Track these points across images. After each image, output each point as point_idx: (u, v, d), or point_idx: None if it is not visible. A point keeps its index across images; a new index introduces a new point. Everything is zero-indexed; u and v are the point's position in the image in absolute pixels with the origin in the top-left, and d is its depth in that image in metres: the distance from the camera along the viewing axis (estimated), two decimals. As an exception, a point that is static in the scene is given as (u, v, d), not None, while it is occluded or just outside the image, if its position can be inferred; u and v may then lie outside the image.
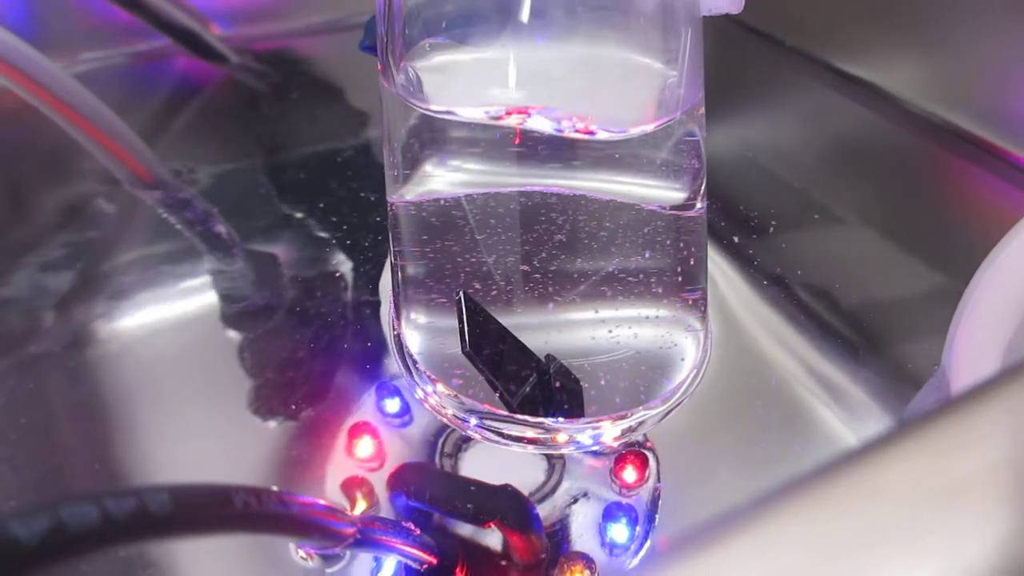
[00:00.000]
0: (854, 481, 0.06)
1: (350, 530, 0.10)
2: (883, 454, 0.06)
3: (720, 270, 0.20)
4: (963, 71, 0.19)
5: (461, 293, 0.12)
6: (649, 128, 0.12)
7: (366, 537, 0.11)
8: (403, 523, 0.13)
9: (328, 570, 0.13)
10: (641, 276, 0.12)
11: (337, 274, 0.18)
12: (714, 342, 0.18)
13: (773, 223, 0.21)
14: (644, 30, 0.12)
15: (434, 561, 0.13)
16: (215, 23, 0.20)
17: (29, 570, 0.07)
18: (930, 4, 0.19)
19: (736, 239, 0.21)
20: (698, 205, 0.13)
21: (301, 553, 0.14)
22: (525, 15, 0.11)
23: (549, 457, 0.16)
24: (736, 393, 0.17)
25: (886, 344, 0.18)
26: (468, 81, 0.13)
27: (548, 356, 0.12)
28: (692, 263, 0.13)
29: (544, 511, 0.15)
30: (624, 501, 0.15)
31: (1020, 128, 0.18)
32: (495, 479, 0.15)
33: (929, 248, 0.19)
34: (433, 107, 0.12)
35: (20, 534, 0.07)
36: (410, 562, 0.13)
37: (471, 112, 0.12)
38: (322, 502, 0.10)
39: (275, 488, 0.09)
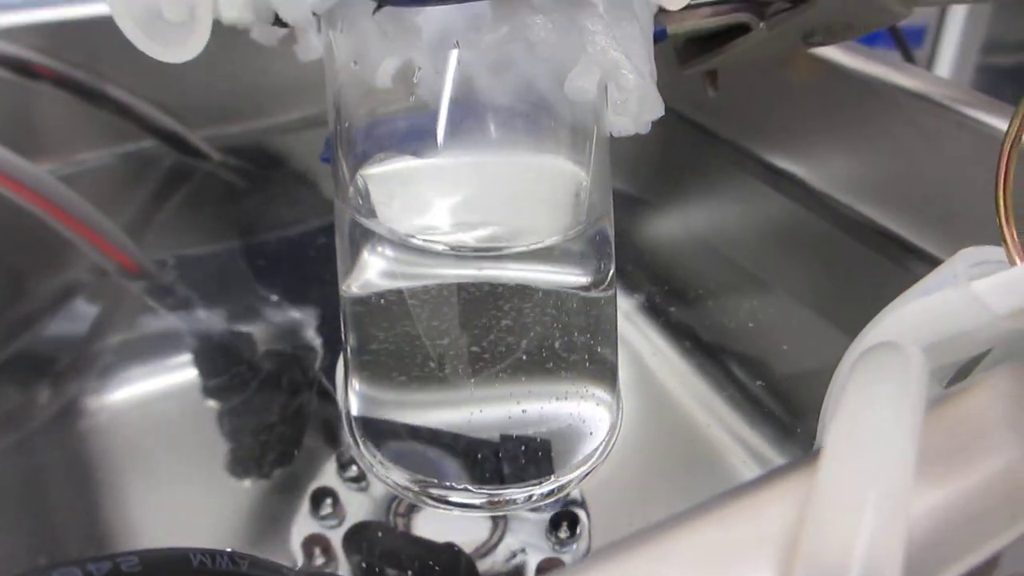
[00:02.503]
0: (649, 548, 0.08)
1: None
2: (677, 526, 0.08)
3: (654, 341, 0.22)
4: (874, 171, 0.21)
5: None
6: (571, 234, 0.14)
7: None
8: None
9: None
10: (555, 356, 0.14)
11: (307, 349, 0.20)
12: (646, 408, 0.20)
13: (709, 298, 0.23)
14: (563, 150, 0.14)
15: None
16: (198, 124, 0.22)
17: None
18: (849, 112, 0.21)
19: (672, 311, 0.23)
20: (608, 289, 0.15)
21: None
22: (440, 134, 0.13)
23: (494, 517, 0.17)
24: (664, 455, 0.19)
25: (808, 412, 0.20)
26: (412, 199, 0.15)
27: (503, 436, 0.14)
28: (603, 341, 0.15)
29: (485, 566, 0.16)
30: (558, 556, 0.17)
31: (921, 222, 0.20)
32: (444, 537, 0.17)
33: (848, 321, 0.21)
34: (377, 228, 0.14)
35: None
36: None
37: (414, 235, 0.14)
38: (268, 560, 0.12)
39: (228, 550, 0.11)
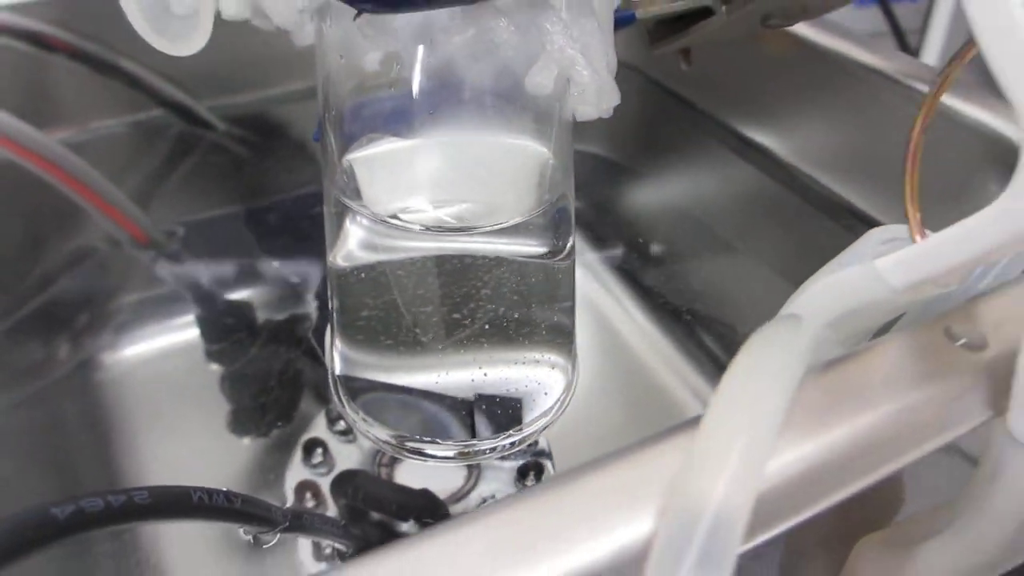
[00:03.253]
0: (551, 494, 0.09)
1: (281, 520, 0.14)
2: (578, 475, 0.10)
3: (623, 301, 0.23)
4: (839, 145, 0.22)
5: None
6: (537, 212, 0.16)
7: (294, 525, 0.14)
8: (327, 516, 0.17)
9: (264, 546, 0.17)
10: (516, 323, 0.16)
11: (302, 315, 0.22)
12: (611, 364, 0.22)
13: (680, 260, 0.24)
14: (530, 134, 0.16)
15: (349, 546, 0.16)
16: (204, 95, 0.24)
17: (60, 539, 0.11)
18: (817, 88, 0.22)
19: (646, 271, 0.24)
20: (567, 259, 0.17)
21: (246, 535, 0.18)
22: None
23: (468, 467, 0.19)
24: (625, 408, 0.21)
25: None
26: (393, 182, 0.16)
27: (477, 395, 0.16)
28: (561, 308, 0.17)
29: (457, 509, 0.18)
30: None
31: (879, 194, 0.22)
32: (422, 484, 0.18)
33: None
34: (360, 209, 0.16)
35: (55, 514, 0.11)
36: (337, 545, 0.17)
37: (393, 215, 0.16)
38: (259, 499, 0.13)
39: (224, 489, 0.13)
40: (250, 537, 0.17)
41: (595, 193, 0.28)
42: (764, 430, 0.09)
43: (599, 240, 0.27)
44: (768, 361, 0.10)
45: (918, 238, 0.13)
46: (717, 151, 0.24)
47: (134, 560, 0.17)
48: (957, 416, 0.12)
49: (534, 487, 0.10)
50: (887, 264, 0.13)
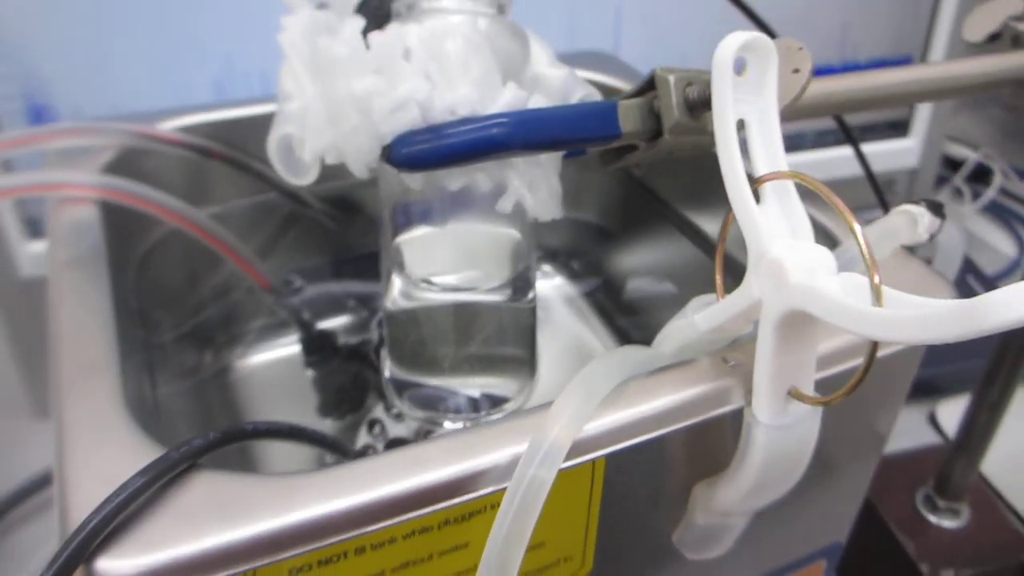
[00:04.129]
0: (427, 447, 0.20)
1: (353, 453, 0.24)
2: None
3: (596, 329, 0.33)
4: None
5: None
6: (509, 277, 0.26)
7: (360, 455, 0.24)
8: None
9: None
10: (497, 345, 0.26)
11: (368, 339, 0.33)
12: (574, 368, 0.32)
13: (642, 305, 0.34)
14: (508, 227, 0.26)
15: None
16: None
17: (245, 439, 0.21)
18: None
19: (615, 312, 0.34)
20: (531, 304, 0.27)
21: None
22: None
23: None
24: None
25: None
26: (425, 254, 0.27)
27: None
28: (524, 335, 0.27)
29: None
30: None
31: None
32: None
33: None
34: (403, 272, 0.26)
35: (246, 427, 0.21)
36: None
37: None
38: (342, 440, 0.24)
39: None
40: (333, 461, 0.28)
41: (586, 250, 0.38)
42: (584, 405, 0.19)
43: (579, 282, 0.37)
44: (597, 369, 0.20)
45: (719, 298, 0.23)
46: (667, 227, 0.34)
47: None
48: (721, 403, 0.21)
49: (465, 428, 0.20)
50: (699, 317, 0.23)
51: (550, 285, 0.40)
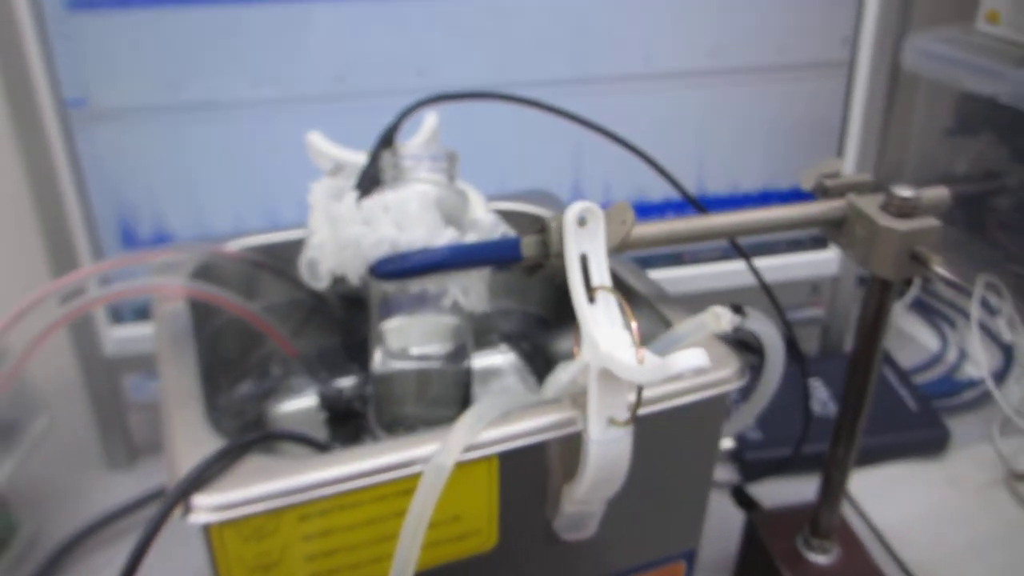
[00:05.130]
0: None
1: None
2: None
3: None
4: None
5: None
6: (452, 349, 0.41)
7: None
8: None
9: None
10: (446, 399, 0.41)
11: (364, 394, 0.47)
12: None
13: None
14: (450, 315, 0.41)
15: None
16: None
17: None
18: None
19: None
20: (467, 365, 0.41)
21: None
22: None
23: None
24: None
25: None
26: (400, 336, 0.42)
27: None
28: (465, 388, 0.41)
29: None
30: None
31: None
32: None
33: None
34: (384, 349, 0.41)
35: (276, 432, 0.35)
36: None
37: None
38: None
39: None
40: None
41: (532, 334, 0.52)
42: (477, 421, 0.33)
43: (530, 359, 0.51)
44: (491, 401, 0.34)
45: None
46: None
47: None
48: (570, 425, 0.35)
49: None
50: (560, 371, 0.37)
51: (504, 359, 0.54)
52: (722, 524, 0.58)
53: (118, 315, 0.63)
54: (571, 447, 0.35)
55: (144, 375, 0.65)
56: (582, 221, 0.35)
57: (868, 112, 0.71)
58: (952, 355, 0.80)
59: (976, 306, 0.71)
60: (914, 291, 0.83)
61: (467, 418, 0.33)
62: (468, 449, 0.33)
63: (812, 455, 0.52)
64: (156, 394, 0.62)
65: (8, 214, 0.74)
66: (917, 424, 0.68)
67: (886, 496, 0.64)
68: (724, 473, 0.66)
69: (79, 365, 0.63)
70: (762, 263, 0.74)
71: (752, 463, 0.65)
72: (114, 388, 0.65)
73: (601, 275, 0.35)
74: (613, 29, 0.64)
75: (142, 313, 0.62)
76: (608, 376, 0.33)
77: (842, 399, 0.48)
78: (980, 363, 0.74)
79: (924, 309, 0.87)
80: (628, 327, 0.33)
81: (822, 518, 0.52)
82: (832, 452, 0.50)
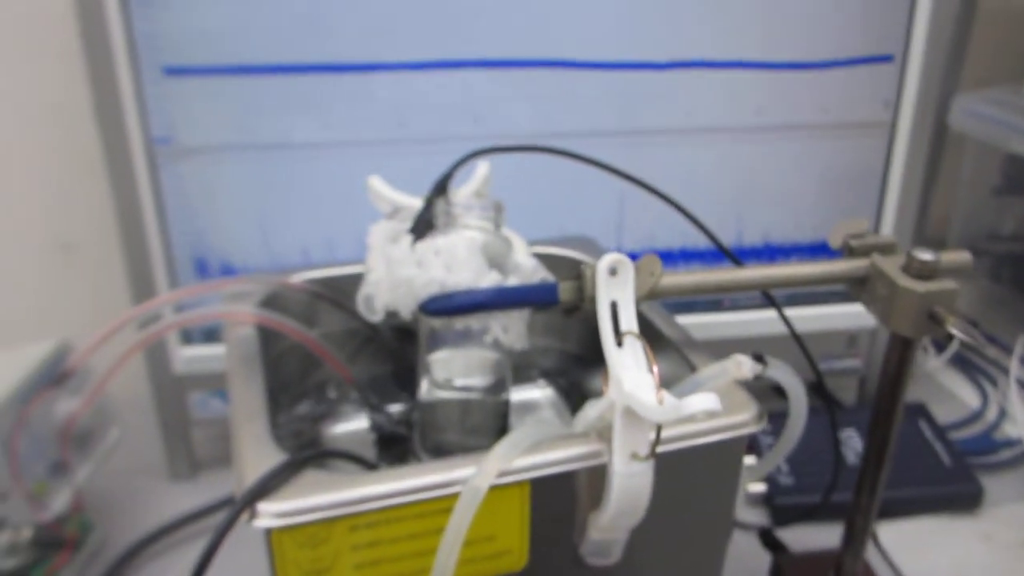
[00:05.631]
0: None
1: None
2: None
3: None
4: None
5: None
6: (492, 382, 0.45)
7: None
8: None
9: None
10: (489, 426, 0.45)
11: (411, 419, 0.51)
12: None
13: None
14: (491, 351, 0.45)
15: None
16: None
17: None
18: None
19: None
20: (505, 397, 0.45)
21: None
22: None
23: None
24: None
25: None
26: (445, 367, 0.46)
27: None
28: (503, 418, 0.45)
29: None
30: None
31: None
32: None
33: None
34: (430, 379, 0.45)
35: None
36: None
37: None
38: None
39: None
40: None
41: (569, 371, 0.56)
42: (511, 449, 0.37)
43: (566, 395, 0.55)
44: (525, 430, 0.38)
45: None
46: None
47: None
48: (596, 457, 0.38)
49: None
50: (589, 408, 0.40)
51: (542, 394, 0.58)
52: (750, 566, 0.61)
53: (188, 337, 0.69)
54: (597, 478, 0.39)
55: (208, 393, 0.70)
56: (613, 271, 0.39)
57: (908, 172, 0.73)
58: (992, 413, 0.82)
59: (1016, 364, 0.73)
60: (953, 348, 0.85)
61: (502, 445, 0.37)
62: (502, 474, 0.37)
63: (842, 503, 0.54)
64: (219, 411, 0.68)
65: (96, 244, 0.81)
66: (950, 479, 0.70)
67: (917, 549, 0.66)
68: (756, 516, 0.68)
69: (150, 381, 0.69)
70: (800, 313, 0.77)
71: (783, 508, 0.67)
72: (180, 404, 0.70)
73: (629, 321, 0.39)
74: (659, 86, 0.68)
75: (209, 335, 0.68)
76: (631, 414, 0.37)
77: (865, 450, 0.51)
78: (1019, 422, 0.75)
79: (966, 366, 0.88)
80: (651, 370, 0.37)
81: (846, 565, 0.54)
82: (856, 500, 0.52)
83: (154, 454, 0.73)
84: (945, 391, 0.86)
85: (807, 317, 0.77)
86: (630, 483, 0.38)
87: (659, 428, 0.36)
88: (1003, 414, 0.81)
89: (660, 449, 0.38)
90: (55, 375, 0.57)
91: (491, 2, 0.64)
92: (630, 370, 0.38)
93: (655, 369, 0.36)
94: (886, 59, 0.71)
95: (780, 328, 0.54)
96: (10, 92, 0.81)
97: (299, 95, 0.63)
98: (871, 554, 0.65)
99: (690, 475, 0.42)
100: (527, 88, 0.66)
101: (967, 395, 0.85)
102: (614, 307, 0.39)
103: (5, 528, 0.53)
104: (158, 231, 0.64)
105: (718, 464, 0.43)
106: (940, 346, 0.86)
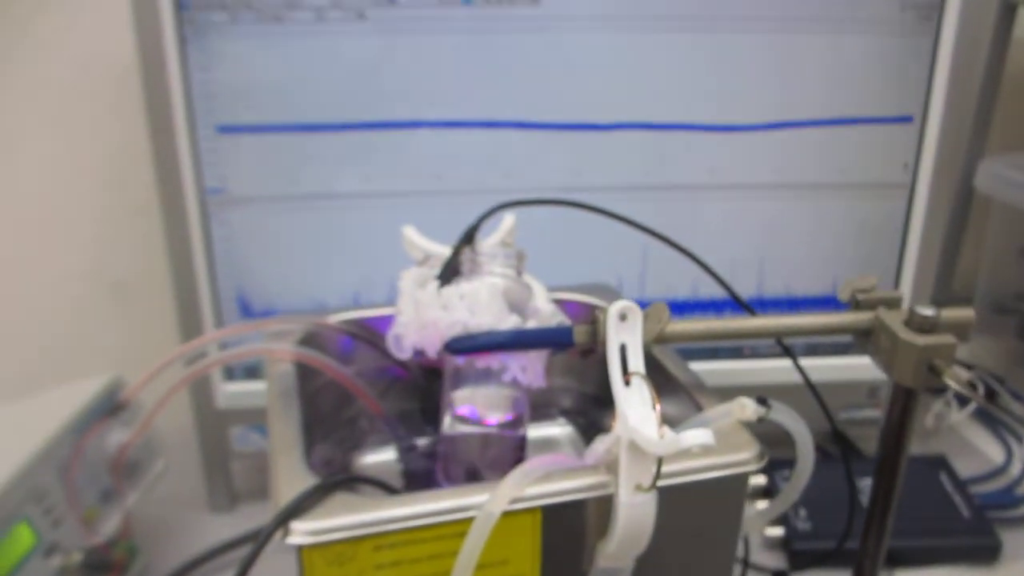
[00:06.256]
0: None
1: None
2: None
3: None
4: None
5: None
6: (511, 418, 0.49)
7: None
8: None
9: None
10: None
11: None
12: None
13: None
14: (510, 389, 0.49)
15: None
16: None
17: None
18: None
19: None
20: (522, 432, 0.49)
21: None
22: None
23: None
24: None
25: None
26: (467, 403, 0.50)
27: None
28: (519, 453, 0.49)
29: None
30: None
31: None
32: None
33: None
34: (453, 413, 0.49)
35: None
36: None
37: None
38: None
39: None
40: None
41: (588, 411, 0.60)
42: (523, 478, 0.40)
43: (584, 432, 0.58)
44: (536, 462, 0.42)
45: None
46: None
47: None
48: (603, 488, 0.42)
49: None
50: (598, 442, 0.44)
51: (561, 431, 0.62)
52: (763, 607, 0.63)
53: (230, 373, 0.73)
54: (604, 507, 0.42)
55: (248, 427, 0.74)
56: (623, 316, 0.43)
57: (927, 233, 0.76)
58: (1016, 469, 0.83)
59: (1037, 420, 0.75)
60: (975, 403, 0.87)
61: (515, 474, 0.41)
62: (515, 501, 0.40)
63: (857, 549, 0.56)
64: (257, 445, 0.72)
65: (146, 283, 0.87)
66: (968, 531, 0.71)
67: (933, 599, 0.68)
68: (774, 560, 0.70)
69: (194, 415, 0.73)
70: (822, 363, 0.80)
71: (800, 553, 0.70)
72: (222, 438, 0.75)
73: (636, 363, 0.43)
74: (683, 145, 0.72)
75: (251, 372, 0.72)
76: (635, 448, 0.40)
77: (871, 497, 0.53)
78: (1039, 476, 0.76)
79: (991, 422, 0.90)
80: (654, 408, 0.40)
81: (859, 609, 0.56)
82: (863, 545, 0.55)
83: (196, 485, 0.77)
84: (970, 445, 0.88)
85: (829, 367, 0.80)
86: (634, 512, 0.41)
87: (660, 461, 0.39)
88: (1028, 470, 0.82)
89: (665, 483, 0.41)
90: (109, 408, 0.62)
91: (526, 69, 0.69)
92: (635, 407, 0.41)
93: (657, 407, 0.40)
94: (906, 120, 0.74)
95: (799, 377, 0.57)
96: (73, 137, 0.88)
97: (343, 149, 0.69)
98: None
99: (694, 510, 0.45)
100: (555, 145, 0.71)
101: (991, 450, 0.87)
102: (623, 350, 0.43)
103: (58, 552, 0.58)
104: (206, 273, 0.69)
105: (721, 500, 0.46)
106: (964, 401, 0.88)
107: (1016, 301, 0.97)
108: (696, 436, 0.36)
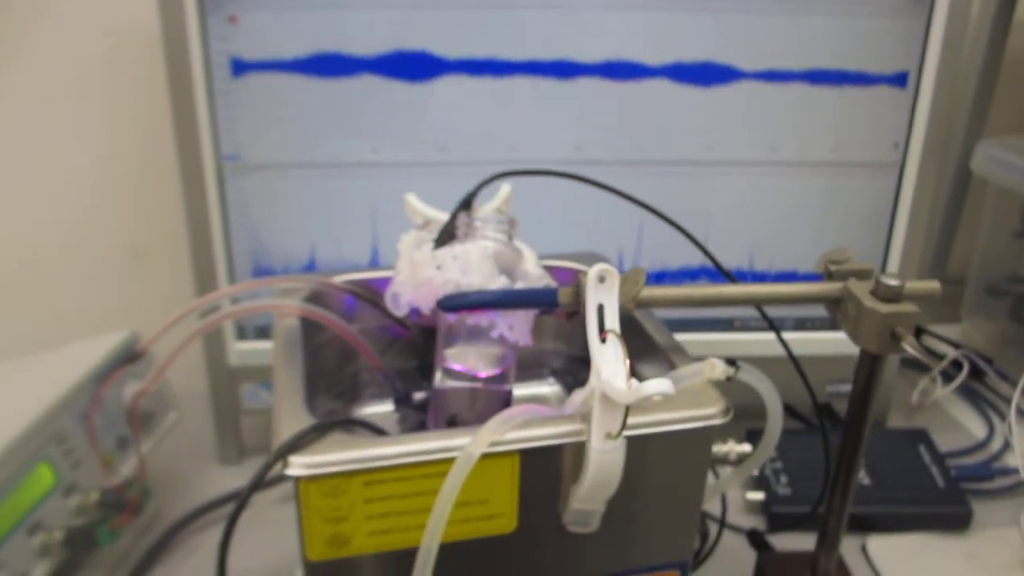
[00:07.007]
0: None
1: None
2: None
3: None
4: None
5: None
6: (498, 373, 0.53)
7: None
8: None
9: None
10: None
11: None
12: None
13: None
14: (499, 347, 0.53)
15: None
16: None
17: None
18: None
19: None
20: (508, 388, 0.53)
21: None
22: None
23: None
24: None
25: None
26: (458, 359, 0.54)
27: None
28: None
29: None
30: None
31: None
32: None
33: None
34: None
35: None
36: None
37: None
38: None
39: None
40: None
41: (575, 371, 0.64)
42: (501, 424, 0.45)
43: (571, 391, 0.63)
44: (516, 410, 0.46)
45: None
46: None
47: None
48: (577, 435, 0.46)
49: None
50: (576, 393, 0.48)
51: (550, 390, 0.67)
52: (740, 563, 0.67)
53: (242, 332, 0.78)
54: (578, 454, 0.46)
55: (257, 384, 0.79)
56: (602, 278, 0.47)
57: (915, 211, 0.79)
58: (997, 444, 0.86)
59: (1018, 395, 0.78)
60: (960, 379, 0.90)
61: (495, 420, 0.45)
62: (495, 444, 0.44)
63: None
64: (266, 402, 0.77)
65: (164, 247, 0.91)
66: (941, 500, 0.75)
67: (905, 563, 0.71)
68: (755, 523, 0.74)
69: (207, 372, 0.78)
70: (809, 337, 0.83)
71: (778, 516, 0.74)
72: (233, 394, 0.79)
73: (612, 322, 0.46)
74: (680, 122, 0.76)
75: (261, 332, 0.77)
76: (607, 399, 0.44)
77: (836, 459, 0.57)
78: (1017, 450, 0.80)
79: (976, 398, 0.93)
80: (624, 363, 0.44)
81: (820, 563, 0.60)
82: (828, 505, 0.59)
83: (207, 438, 0.82)
84: (955, 422, 0.91)
85: (817, 341, 0.84)
86: (604, 459, 0.45)
87: (627, 410, 0.43)
88: (1007, 445, 0.86)
89: (636, 432, 0.45)
90: (126, 356, 0.67)
91: (533, 22, 0.72)
92: (609, 363, 0.45)
93: (627, 362, 0.44)
94: (899, 83, 0.77)
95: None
96: (97, 111, 0.93)
97: (354, 121, 0.73)
98: (859, 564, 0.70)
99: (662, 459, 0.49)
100: (558, 119, 0.75)
101: (974, 426, 0.90)
102: (600, 309, 0.47)
103: (76, 492, 0.63)
104: (222, 237, 0.74)
105: (688, 451, 0.49)
106: (949, 378, 0.91)
107: (1009, 283, 1.00)
108: (658, 385, 0.40)
